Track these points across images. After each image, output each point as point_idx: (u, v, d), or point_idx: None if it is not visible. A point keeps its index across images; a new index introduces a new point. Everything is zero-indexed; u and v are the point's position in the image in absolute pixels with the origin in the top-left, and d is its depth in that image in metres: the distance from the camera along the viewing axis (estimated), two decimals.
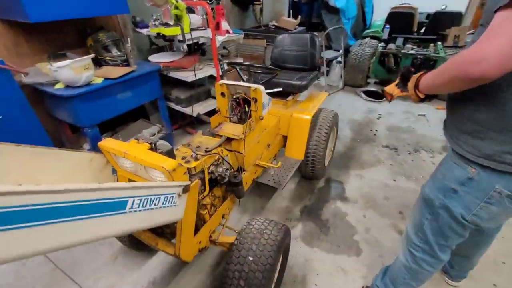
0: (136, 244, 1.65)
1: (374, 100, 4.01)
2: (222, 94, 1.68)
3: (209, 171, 1.29)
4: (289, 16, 4.55)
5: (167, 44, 2.79)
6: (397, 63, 4.18)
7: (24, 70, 1.87)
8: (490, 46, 0.64)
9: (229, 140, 1.62)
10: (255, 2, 3.99)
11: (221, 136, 1.53)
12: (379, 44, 4.33)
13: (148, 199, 0.85)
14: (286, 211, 2.10)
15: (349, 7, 4.70)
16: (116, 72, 2.04)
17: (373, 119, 3.51)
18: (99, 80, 1.94)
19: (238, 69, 1.79)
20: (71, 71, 1.72)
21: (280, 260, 1.48)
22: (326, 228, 1.95)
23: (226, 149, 1.60)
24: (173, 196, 0.96)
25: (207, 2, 2.16)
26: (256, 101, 1.57)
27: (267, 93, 1.69)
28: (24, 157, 0.81)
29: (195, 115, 2.39)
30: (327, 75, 4.58)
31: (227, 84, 1.64)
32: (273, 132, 2.00)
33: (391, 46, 4.19)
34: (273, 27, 4.01)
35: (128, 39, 2.33)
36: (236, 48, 4.15)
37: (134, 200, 0.80)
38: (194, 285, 1.59)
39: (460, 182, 0.93)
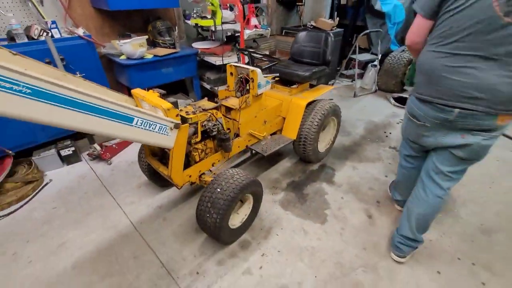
0: (154, 178, 2.23)
1: (402, 106, 3.99)
2: (231, 73, 2.13)
3: (202, 124, 1.77)
4: (330, 18, 4.74)
5: (208, 34, 3.37)
6: None
7: (103, 44, 2.63)
8: (409, 32, 1.38)
9: (230, 110, 2.08)
10: (297, 3, 4.32)
11: (220, 103, 1.99)
12: None
13: (148, 122, 1.36)
14: (275, 181, 2.46)
15: (396, 12, 4.64)
16: (163, 51, 2.67)
17: (392, 123, 3.55)
18: (149, 56, 2.60)
19: (245, 53, 2.22)
20: (131, 46, 2.39)
21: (251, 204, 1.88)
22: (304, 200, 2.26)
23: (227, 117, 2.06)
24: (166, 128, 1.46)
25: (240, 0, 2.62)
26: (253, 80, 1.99)
27: (275, 80, 2.09)
28: (84, 87, 1.39)
29: (209, 87, 2.92)
30: (361, 77, 4.67)
31: (235, 66, 2.09)
32: (273, 113, 2.38)
33: None
34: (311, 27, 4.28)
35: (176, 27, 2.96)
36: (275, 45, 4.56)
37: (138, 119, 1.31)
38: (188, 215, 2.10)
39: None
